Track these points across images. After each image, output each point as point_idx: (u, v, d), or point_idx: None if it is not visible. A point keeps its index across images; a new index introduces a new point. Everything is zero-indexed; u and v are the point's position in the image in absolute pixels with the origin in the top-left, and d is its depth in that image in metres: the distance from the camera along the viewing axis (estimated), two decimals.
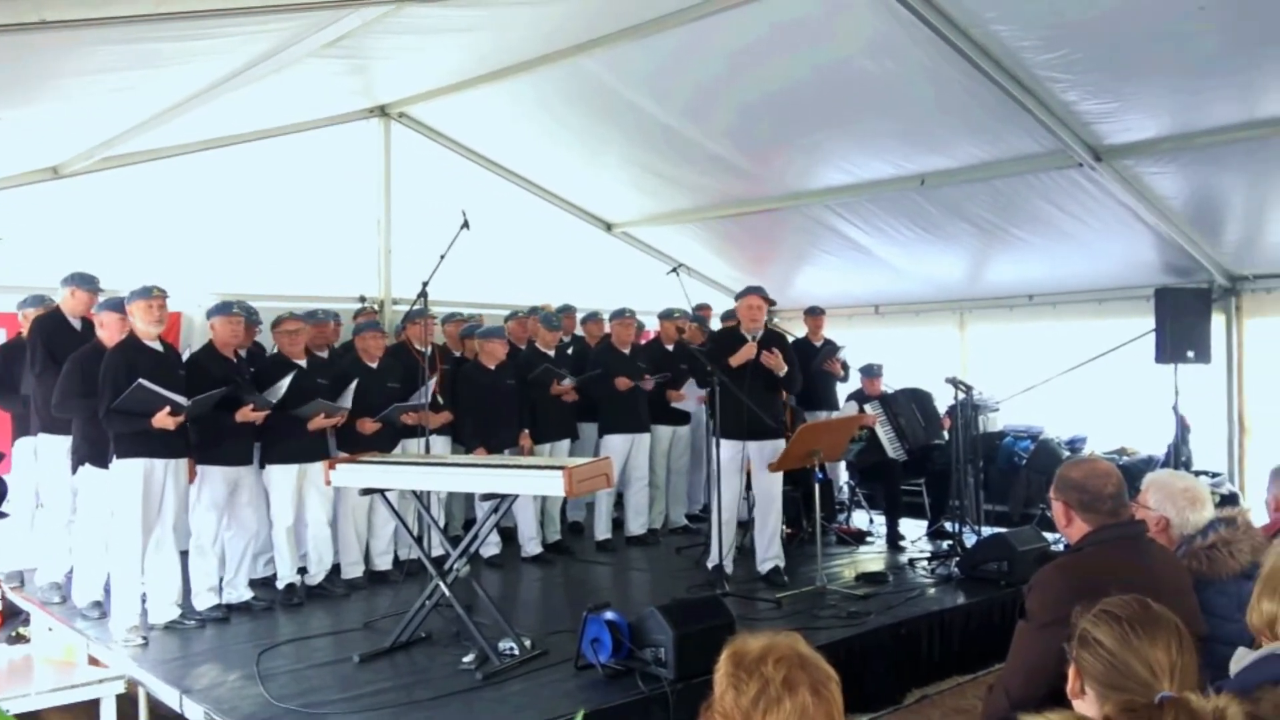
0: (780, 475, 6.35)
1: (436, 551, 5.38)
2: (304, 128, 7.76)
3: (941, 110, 6.43)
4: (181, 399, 5.20)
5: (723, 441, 6.30)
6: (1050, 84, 5.79)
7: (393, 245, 8.46)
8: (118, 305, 5.52)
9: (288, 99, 6.91)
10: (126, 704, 4.70)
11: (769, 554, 6.35)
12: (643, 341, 8.30)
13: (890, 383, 8.19)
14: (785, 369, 6.25)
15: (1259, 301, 7.82)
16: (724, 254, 10.01)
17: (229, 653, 5.02)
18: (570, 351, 8.11)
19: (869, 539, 7.84)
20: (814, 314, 8.73)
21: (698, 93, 6.93)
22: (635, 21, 5.96)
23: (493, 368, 6.96)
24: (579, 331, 8.58)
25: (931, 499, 8.03)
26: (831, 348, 8.53)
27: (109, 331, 5.54)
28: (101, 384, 5.16)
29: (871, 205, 8.07)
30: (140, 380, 5.02)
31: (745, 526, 6.80)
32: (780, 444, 6.23)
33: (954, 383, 7.40)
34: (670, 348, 8.17)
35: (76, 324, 5.94)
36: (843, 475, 8.99)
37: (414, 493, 5.44)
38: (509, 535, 7.35)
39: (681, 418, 8.22)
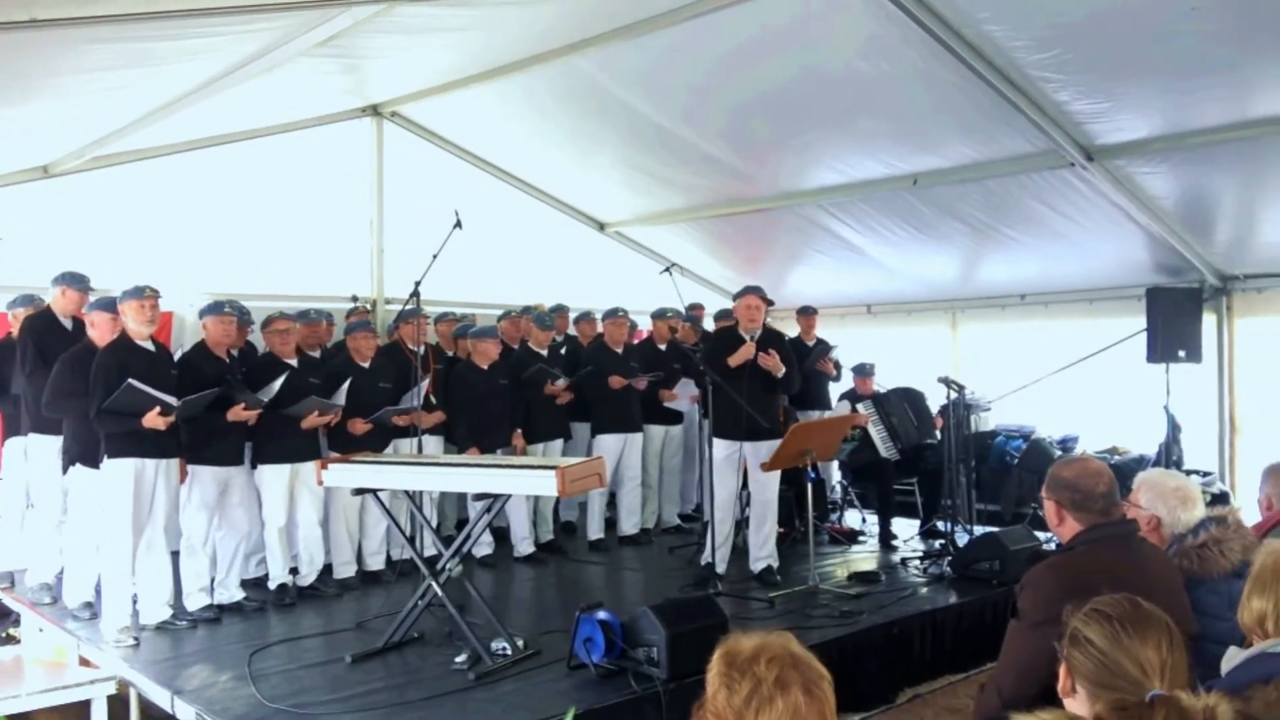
0: (777, 476, 6.35)
1: (429, 551, 5.39)
2: (296, 127, 7.75)
3: (934, 110, 6.44)
4: (171, 399, 5.18)
5: (717, 441, 6.30)
6: (1042, 84, 5.80)
7: (385, 245, 8.46)
8: (109, 305, 5.50)
9: (279, 98, 6.90)
10: (117, 705, 4.68)
11: (762, 553, 6.36)
12: (635, 341, 8.30)
13: (883, 382, 8.20)
14: (783, 370, 6.26)
15: (1250, 301, 7.84)
16: (717, 254, 10.02)
17: (220, 653, 5.00)
18: (563, 351, 8.10)
19: (861, 538, 7.85)
20: (807, 313, 8.75)
21: (690, 92, 6.93)
22: (627, 21, 5.96)
23: (485, 367, 6.95)
24: (572, 331, 8.57)
25: (924, 498, 8.04)
26: (824, 347, 8.54)
27: (100, 331, 5.51)
28: (93, 384, 5.14)
29: (864, 205, 8.08)
30: (130, 380, 5.00)
31: (741, 526, 6.79)
32: (777, 444, 6.23)
33: (946, 382, 7.41)
34: (663, 347, 8.17)
35: (67, 324, 5.92)
36: (835, 475, 9.01)
37: (406, 492, 5.42)
38: (502, 535, 7.34)
39: (674, 417, 8.21)
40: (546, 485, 4.62)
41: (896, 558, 7.07)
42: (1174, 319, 7.54)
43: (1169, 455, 7.73)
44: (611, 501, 7.97)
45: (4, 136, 5.99)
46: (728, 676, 1.71)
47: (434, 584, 4.93)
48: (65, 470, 5.61)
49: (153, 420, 5.09)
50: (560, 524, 8.05)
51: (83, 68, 4.93)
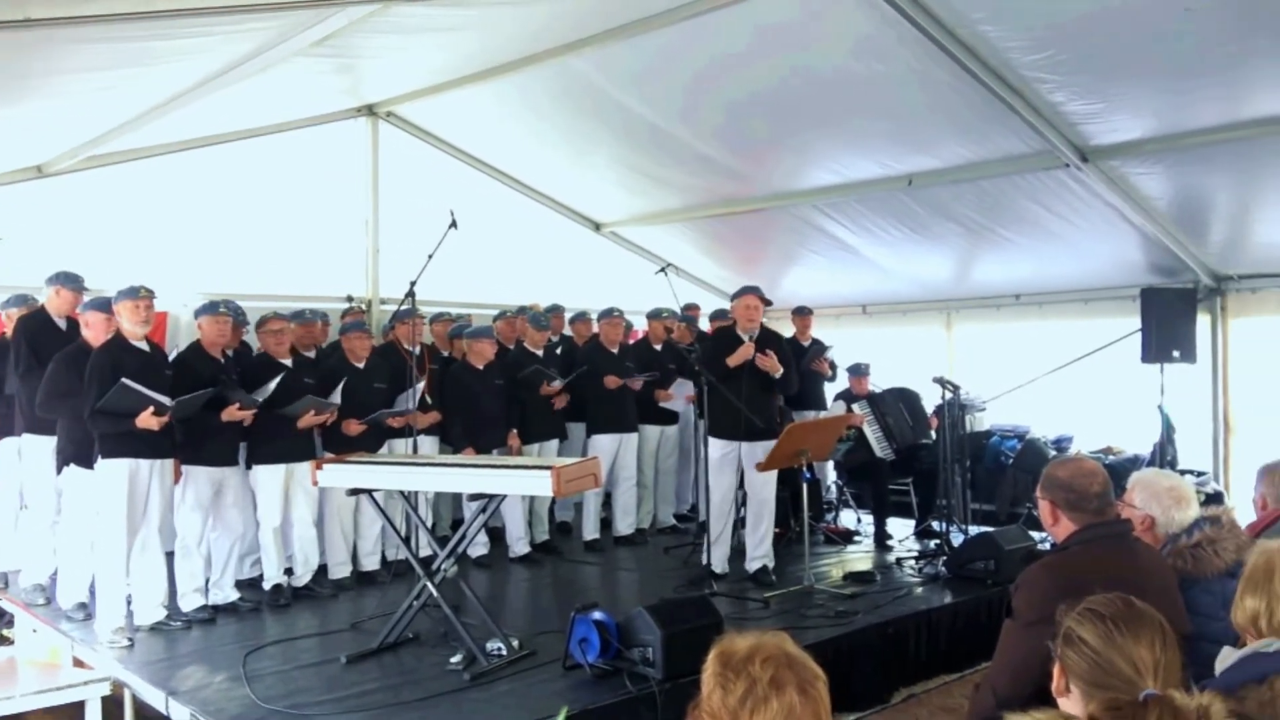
0: (774, 476, 6.35)
1: (424, 552, 5.37)
2: (291, 127, 7.74)
3: (929, 110, 6.45)
4: (165, 399, 5.17)
5: (713, 440, 6.30)
6: (1037, 84, 5.81)
7: (380, 245, 8.44)
8: (104, 305, 5.49)
9: (274, 98, 6.89)
10: (112, 706, 4.67)
11: (758, 553, 6.36)
12: (631, 341, 8.30)
13: (878, 382, 8.21)
14: (781, 370, 6.26)
15: (1244, 301, 7.87)
16: (712, 254, 10.03)
17: (215, 654, 4.99)
18: (559, 351, 8.10)
19: (857, 538, 7.85)
20: (802, 314, 8.75)
21: (686, 92, 6.94)
22: (623, 21, 5.96)
23: (481, 368, 6.95)
24: (567, 331, 8.57)
25: (919, 498, 8.05)
26: (819, 347, 8.54)
27: (94, 331, 5.50)
28: (87, 384, 5.13)
29: (859, 205, 8.09)
30: (123, 380, 4.99)
31: (738, 526, 6.79)
32: (773, 445, 6.23)
33: (941, 382, 7.42)
34: (658, 347, 8.17)
35: (61, 324, 5.91)
36: (830, 475, 9.00)
37: (401, 493, 5.42)
38: (497, 535, 7.33)
39: (669, 417, 8.22)
40: (542, 485, 4.62)
41: (892, 558, 7.08)
42: (1168, 319, 7.56)
43: (1163, 455, 7.75)
44: (607, 502, 7.97)
45: None
46: (723, 677, 1.71)
47: (429, 584, 4.92)
48: (59, 471, 5.61)
49: (146, 420, 5.08)
50: (555, 524, 8.05)
51: (77, 67, 4.92)
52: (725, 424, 6.24)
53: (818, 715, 1.68)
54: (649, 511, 8.17)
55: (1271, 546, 2.37)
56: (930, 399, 7.91)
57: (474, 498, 5.06)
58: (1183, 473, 7.33)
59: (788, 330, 8.83)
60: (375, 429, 6.43)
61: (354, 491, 5.36)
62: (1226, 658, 2.28)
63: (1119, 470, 7.19)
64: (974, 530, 7.38)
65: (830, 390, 8.65)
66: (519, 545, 7.12)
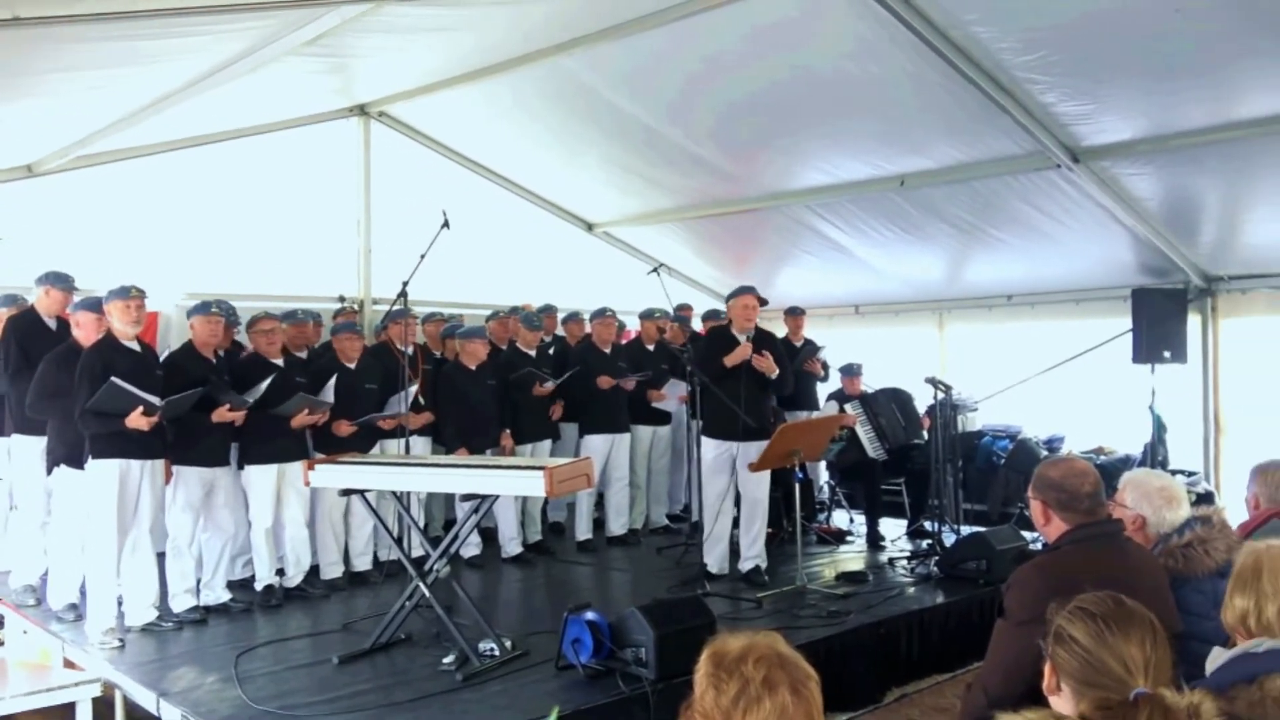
0: (767, 476, 6.36)
1: (416, 552, 5.37)
2: (283, 126, 7.72)
3: (921, 111, 6.46)
4: (155, 399, 5.15)
5: (708, 441, 6.30)
6: (1029, 86, 5.83)
7: (372, 245, 8.42)
8: (94, 305, 5.47)
9: (266, 97, 6.87)
10: (103, 707, 4.65)
11: (750, 554, 6.36)
12: (623, 341, 8.30)
13: (870, 382, 8.22)
14: (777, 371, 6.26)
15: (1234, 302, 7.89)
16: (705, 254, 10.03)
17: (206, 655, 4.98)
18: (551, 351, 8.10)
19: (849, 538, 7.86)
20: (794, 314, 8.76)
21: (678, 93, 6.94)
22: (615, 22, 5.96)
23: (473, 368, 6.94)
24: (560, 331, 8.56)
25: (911, 498, 8.07)
26: (812, 348, 8.55)
27: (85, 331, 5.48)
28: (78, 384, 5.11)
29: (852, 206, 8.10)
30: (112, 379, 4.97)
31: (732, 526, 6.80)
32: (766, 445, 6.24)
33: (933, 382, 7.43)
34: (651, 347, 8.17)
35: (51, 323, 5.88)
36: (823, 475, 9.02)
37: (394, 493, 5.41)
38: (489, 536, 7.32)
39: (662, 417, 8.22)
40: (534, 486, 4.62)
41: (884, 558, 7.09)
42: (1159, 320, 7.59)
43: (1154, 455, 7.78)
44: (600, 502, 7.96)
45: None
46: (715, 677, 1.71)
47: (421, 585, 4.91)
48: (50, 471, 5.57)
49: (136, 420, 5.06)
50: (548, 524, 8.05)
51: (66, 66, 4.90)
52: (721, 424, 6.24)
53: (810, 715, 1.68)
54: (642, 512, 8.17)
55: (1260, 547, 2.38)
56: (922, 399, 7.93)
57: (466, 498, 5.05)
58: (1174, 473, 7.37)
59: (780, 330, 8.85)
60: (367, 429, 6.41)
61: (346, 492, 5.35)
62: (1216, 658, 2.29)
63: (1110, 470, 7.22)
64: (966, 530, 7.39)
65: (823, 390, 8.66)
66: (511, 545, 7.12)
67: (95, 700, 4.60)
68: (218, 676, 4.61)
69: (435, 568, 4.97)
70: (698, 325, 8.82)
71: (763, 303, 6.44)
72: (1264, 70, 5.32)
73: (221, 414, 5.56)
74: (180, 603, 5.60)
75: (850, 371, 8.13)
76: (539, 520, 7.66)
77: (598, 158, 8.32)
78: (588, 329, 8.04)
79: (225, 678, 4.58)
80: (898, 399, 7.95)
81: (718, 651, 1.74)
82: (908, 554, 7.13)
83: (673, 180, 8.42)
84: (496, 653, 4.74)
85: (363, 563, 6.62)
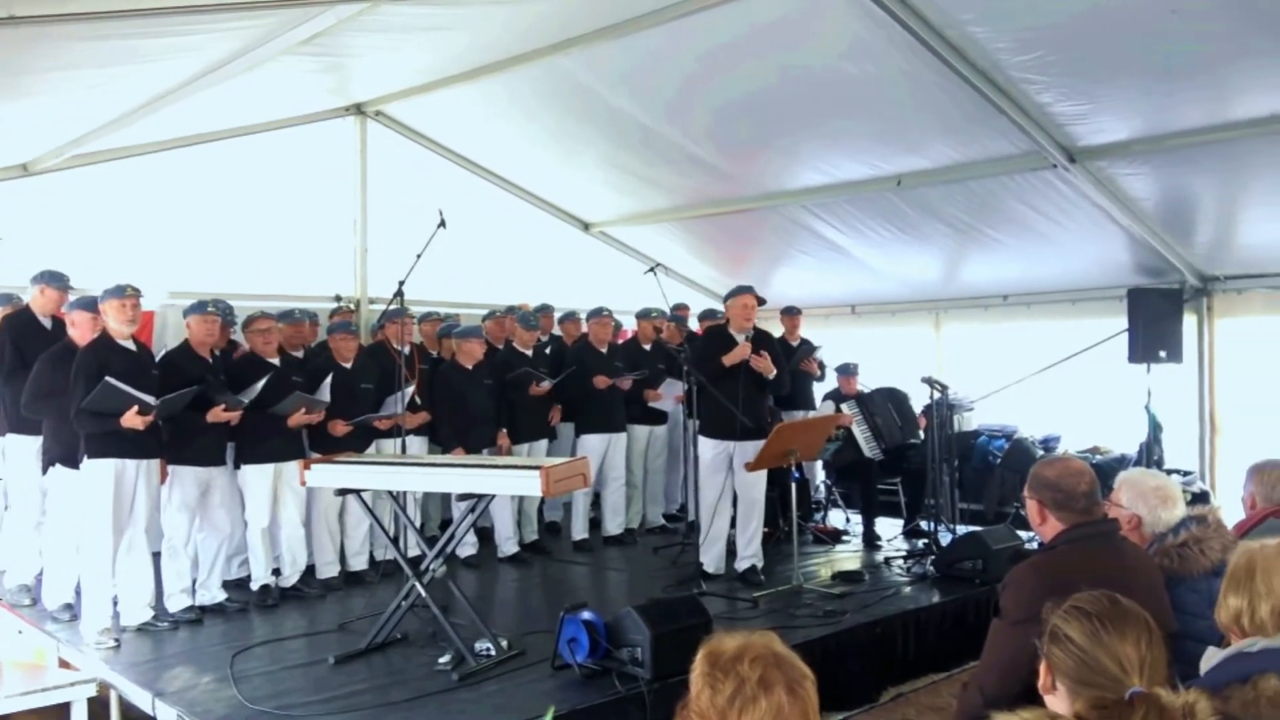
0: (763, 476, 6.36)
1: (413, 552, 5.36)
2: (279, 125, 7.70)
3: (917, 111, 6.46)
4: (150, 398, 5.14)
5: (705, 440, 6.30)
6: (1025, 86, 5.84)
7: (369, 244, 8.41)
8: (90, 304, 5.45)
9: (262, 96, 6.86)
10: (98, 707, 4.64)
11: (747, 553, 6.36)
12: (620, 341, 8.30)
13: (866, 382, 8.22)
14: (775, 371, 6.26)
15: (1230, 302, 7.91)
16: (702, 254, 10.03)
17: (202, 655, 4.97)
18: (548, 351, 8.09)
19: (845, 538, 7.87)
20: (791, 314, 8.76)
21: (675, 93, 6.93)
22: (612, 21, 5.96)
23: (470, 367, 6.94)
24: (556, 331, 8.56)
25: (907, 498, 8.07)
26: (808, 347, 8.56)
27: (81, 331, 5.47)
28: (73, 383, 5.10)
29: (848, 206, 8.11)
30: (107, 378, 4.96)
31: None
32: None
33: (929, 382, 7.44)
34: (647, 347, 8.17)
35: (46, 323, 5.87)
36: (819, 474, 9.03)
37: (390, 493, 5.40)
38: (486, 535, 7.32)
39: (658, 417, 8.22)
40: (531, 485, 4.61)
41: (880, 557, 7.10)
42: (1155, 319, 7.60)
43: (1150, 455, 7.78)
44: (596, 502, 7.96)
45: None
46: (711, 676, 1.71)
47: (418, 584, 4.91)
48: (45, 471, 5.57)
49: (131, 420, 5.05)
50: (545, 524, 8.04)
51: (62, 65, 4.89)
52: (718, 424, 6.25)
53: (805, 715, 1.68)
54: (638, 511, 8.17)
55: (1253, 546, 2.39)
56: (918, 399, 7.93)
57: (463, 498, 5.04)
58: (1169, 472, 7.37)
59: (776, 330, 8.85)
60: (363, 429, 6.41)
61: (342, 491, 5.34)
62: (1211, 657, 2.29)
63: (1106, 470, 7.24)
64: (962, 530, 7.40)
65: (819, 390, 8.67)
66: (508, 545, 7.11)
67: (90, 700, 4.58)
68: (213, 676, 4.61)
69: (431, 567, 4.96)
70: (694, 325, 8.82)
71: (761, 302, 6.44)
72: (1260, 70, 5.33)
73: (216, 414, 5.55)
74: (176, 602, 5.60)
75: (846, 371, 8.14)
76: (535, 520, 7.65)
77: (594, 157, 8.32)
78: (584, 328, 8.04)
79: (221, 678, 4.57)
80: (894, 399, 7.95)
81: (713, 651, 1.74)
82: (904, 553, 7.14)
83: (669, 180, 8.42)
84: (492, 652, 4.74)
85: (359, 562, 6.61)
